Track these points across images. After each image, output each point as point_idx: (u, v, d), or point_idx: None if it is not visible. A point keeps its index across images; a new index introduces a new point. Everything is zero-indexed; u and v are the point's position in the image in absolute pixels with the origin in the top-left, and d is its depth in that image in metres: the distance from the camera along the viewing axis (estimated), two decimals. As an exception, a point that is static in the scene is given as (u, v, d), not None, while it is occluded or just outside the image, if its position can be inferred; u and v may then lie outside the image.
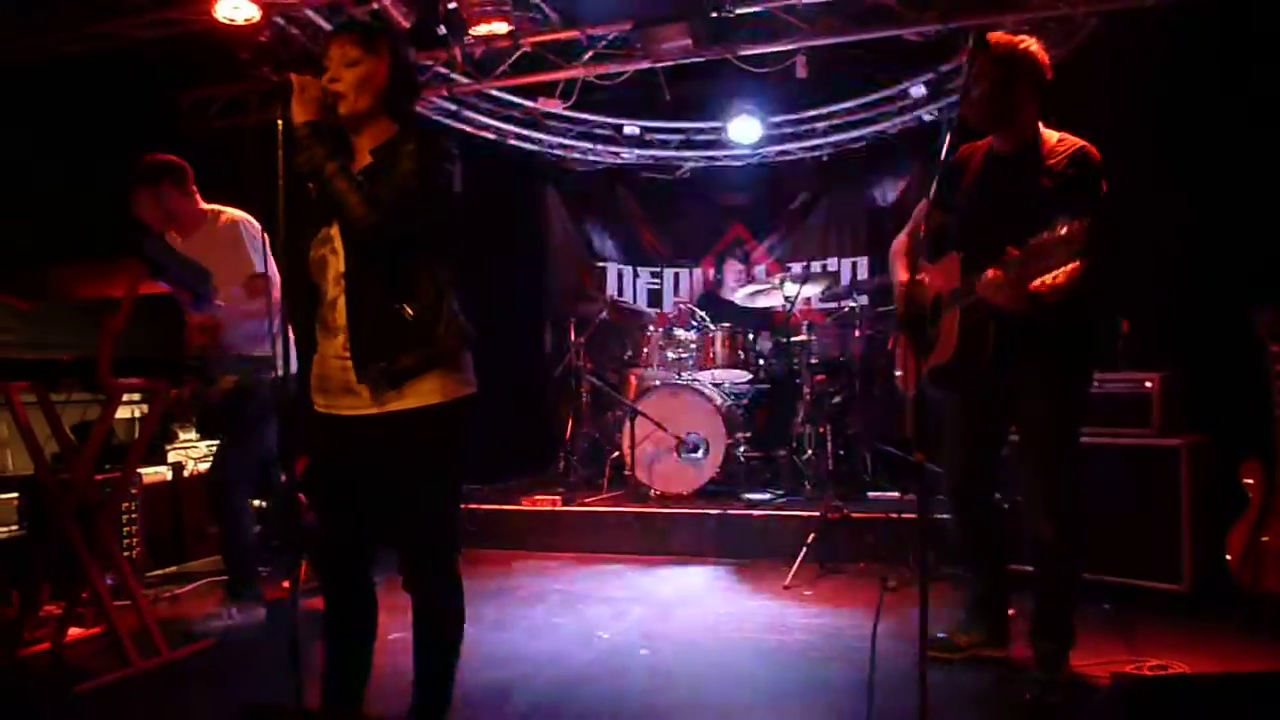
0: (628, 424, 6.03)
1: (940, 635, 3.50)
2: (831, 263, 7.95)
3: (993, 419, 3.33)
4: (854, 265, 7.91)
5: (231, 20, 5.11)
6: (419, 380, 2.45)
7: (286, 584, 4.59)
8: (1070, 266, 2.62)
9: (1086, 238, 2.48)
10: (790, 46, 5.76)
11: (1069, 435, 3.17)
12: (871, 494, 5.81)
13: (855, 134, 7.51)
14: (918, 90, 6.82)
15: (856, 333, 6.50)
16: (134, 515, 4.69)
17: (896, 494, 5.77)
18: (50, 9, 5.32)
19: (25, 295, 3.88)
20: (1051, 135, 3.18)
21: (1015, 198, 3.09)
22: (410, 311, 2.43)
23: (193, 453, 5.33)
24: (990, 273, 2.86)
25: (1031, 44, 3.16)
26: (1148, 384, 4.11)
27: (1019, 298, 2.81)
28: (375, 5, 5.35)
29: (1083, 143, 3.10)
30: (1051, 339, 3.06)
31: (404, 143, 2.46)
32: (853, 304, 6.68)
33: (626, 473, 6.10)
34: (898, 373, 3.59)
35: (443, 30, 5.45)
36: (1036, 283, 2.73)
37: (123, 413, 5.08)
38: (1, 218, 5.03)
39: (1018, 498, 4.33)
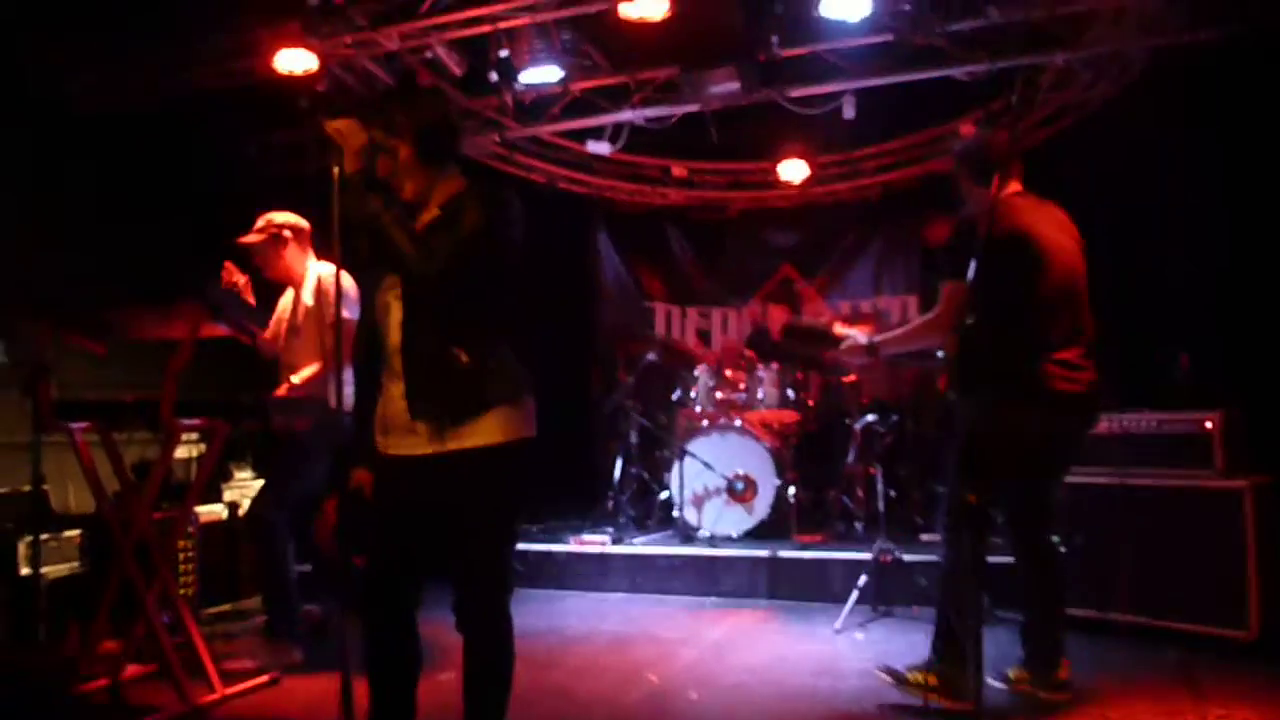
0: (676, 464, 6.02)
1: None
2: (881, 302, 7.90)
3: None
4: (904, 304, 7.85)
5: (291, 72, 5.27)
6: (478, 421, 2.48)
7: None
8: None
9: None
10: (839, 88, 5.76)
11: None
12: (924, 536, 5.72)
13: (904, 173, 7.49)
14: (968, 129, 6.79)
15: (906, 374, 6.44)
16: (191, 553, 4.77)
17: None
18: (129, 66, 5.53)
19: (94, 338, 4.00)
20: None
21: None
22: (465, 358, 2.47)
23: (248, 492, 5.41)
24: None
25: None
26: (1208, 424, 4.01)
27: None
28: (428, 54, 5.47)
29: None
30: None
31: (470, 197, 2.53)
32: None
33: (675, 513, 6.08)
34: None
35: (494, 77, 5.56)
36: None
37: (180, 452, 5.18)
38: (69, 261, 5.21)
39: (1078, 539, 4.26)
